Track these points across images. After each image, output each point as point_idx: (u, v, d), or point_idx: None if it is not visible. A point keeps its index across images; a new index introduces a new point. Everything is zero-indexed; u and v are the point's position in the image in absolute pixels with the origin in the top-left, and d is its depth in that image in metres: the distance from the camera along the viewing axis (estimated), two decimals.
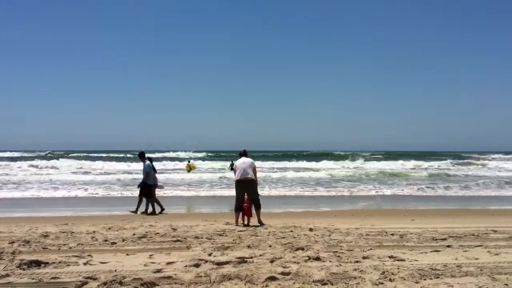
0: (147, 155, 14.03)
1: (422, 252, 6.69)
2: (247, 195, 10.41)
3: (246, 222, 10.37)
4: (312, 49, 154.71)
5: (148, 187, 13.34)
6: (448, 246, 7.21)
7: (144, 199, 13.28)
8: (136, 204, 13.18)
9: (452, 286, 4.81)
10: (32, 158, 45.87)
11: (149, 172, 13.38)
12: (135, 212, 12.95)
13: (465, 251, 6.82)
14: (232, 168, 36.14)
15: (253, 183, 10.43)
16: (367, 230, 9.06)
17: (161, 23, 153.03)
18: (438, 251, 6.81)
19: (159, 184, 14.02)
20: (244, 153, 10.81)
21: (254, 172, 10.49)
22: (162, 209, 13.30)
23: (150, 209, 13.20)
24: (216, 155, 64.95)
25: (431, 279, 5.08)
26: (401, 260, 6.11)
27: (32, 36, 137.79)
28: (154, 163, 14.08)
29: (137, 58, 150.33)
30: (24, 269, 5.41)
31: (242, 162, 10.49)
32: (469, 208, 14.99)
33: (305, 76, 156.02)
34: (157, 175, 13.87)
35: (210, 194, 19.67)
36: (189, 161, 37.18)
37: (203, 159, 53.18)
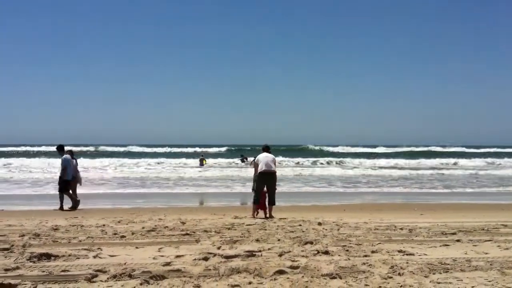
0: (67, 148, 13.71)
1: (432, 247, 6.67)
2: (266, 188, 10.82)
3: (265, 215, 10.72)
4: (326, 42, 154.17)
5: (65, 182, 12.88)
6: (458, 240, 7.17)
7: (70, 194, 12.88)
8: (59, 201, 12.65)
9: (462, 280, 4.78)
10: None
11: (66, 167, 12.95)
12: (61, 209, 12.45)
13: (475, 245, 6.77)
14: (242, 159, 36.64)
15: (275, 176, 10.97)
16: (376, 224, 9.04)
17: (162, 16, 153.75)
18: (448, 245, 6.78)
19: (80, 177, 13.65)
20: (266, 148, 11.25)
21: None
22: (74, 206, 12.75)
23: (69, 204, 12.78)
24: (227, 150, 64.82)
25: (440, 273, 5.05)
26: (410, 254, 6.08)
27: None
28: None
29: (137, 51, 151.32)
30: (34, 262, 5.45)
31: (265, 156, 10.97)
32: (479, 203, 14.92)
33: (316, 69, 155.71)
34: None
35: (221, 190, 19.70)
36: (202, 155, 37.74)
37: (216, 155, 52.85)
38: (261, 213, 10.74)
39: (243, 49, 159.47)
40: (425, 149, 66.29)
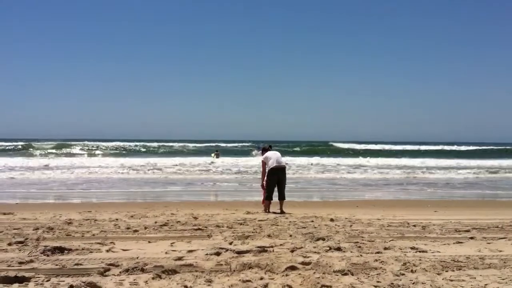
0: None
1: (445, 244, 6.61)
2: (276, 184, 10.97)
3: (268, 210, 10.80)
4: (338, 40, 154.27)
5: None
6: (471, 238, 7.10)
7: None
8: None
9: (475, 278, 4.73)
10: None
11: None
12: None
13: (489, 243, 6.70)
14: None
15: (285, 171, 11.24)
16: (388, 221, 8.99)
17: (163, 13, 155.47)
18: (461, 242, 6.72)
19: None
20: (269, 147, 11.66)
21: None
22: None
23: None
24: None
25: (453, 271, 5.01)
26: (423, 251, 6.04)
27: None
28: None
29: (136, 47, 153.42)
30: (48, 255, 5.51)
31: (274, 153, 11.32)
32: (494, 200, 14.78)
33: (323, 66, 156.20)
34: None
35: (236, 186, 19.73)
36: (217, 151, 38.44)
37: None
38: (272, 208, 10.75)
39: (250, 48, 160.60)
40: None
